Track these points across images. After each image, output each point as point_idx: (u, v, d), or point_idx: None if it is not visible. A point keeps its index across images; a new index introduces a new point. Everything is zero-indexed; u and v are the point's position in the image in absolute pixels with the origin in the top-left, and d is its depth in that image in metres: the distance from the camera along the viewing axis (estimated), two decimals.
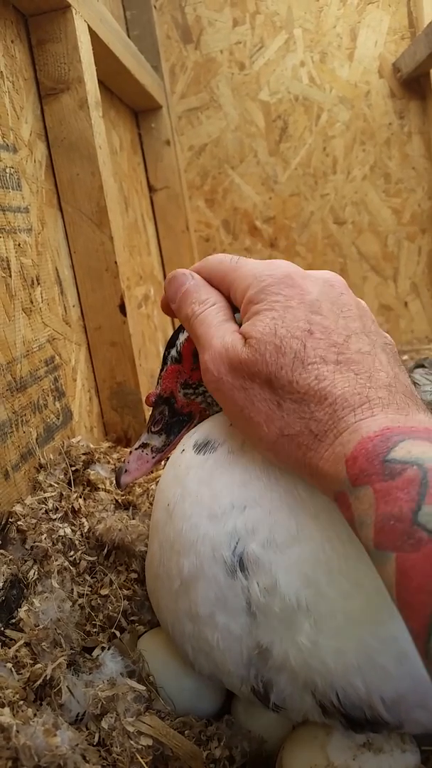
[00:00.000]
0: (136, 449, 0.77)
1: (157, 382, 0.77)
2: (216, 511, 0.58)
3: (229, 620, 0.56)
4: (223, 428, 0.66)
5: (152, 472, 0.86)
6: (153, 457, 0.76)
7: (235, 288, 0.61)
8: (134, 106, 1.77)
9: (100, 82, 1.28)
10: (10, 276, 0.86)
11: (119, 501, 0.94)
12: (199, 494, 0.60)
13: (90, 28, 1.14)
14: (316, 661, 0.53)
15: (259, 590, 0.54)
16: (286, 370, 0.52)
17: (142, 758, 0.56)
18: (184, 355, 0.73)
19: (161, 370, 0.77)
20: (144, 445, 0.77)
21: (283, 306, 0.55)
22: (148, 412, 0.79)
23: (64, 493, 0.85)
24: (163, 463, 0.77)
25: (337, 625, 0.52)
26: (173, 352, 0.74)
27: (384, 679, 0.52)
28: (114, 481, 0.78)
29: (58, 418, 0.98)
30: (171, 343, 0.75)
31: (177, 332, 0.74)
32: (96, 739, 0.57)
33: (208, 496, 0.59)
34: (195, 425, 0.73)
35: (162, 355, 0.77)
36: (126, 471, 0.76)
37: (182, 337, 0.73)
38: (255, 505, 0.57)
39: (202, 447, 0.65)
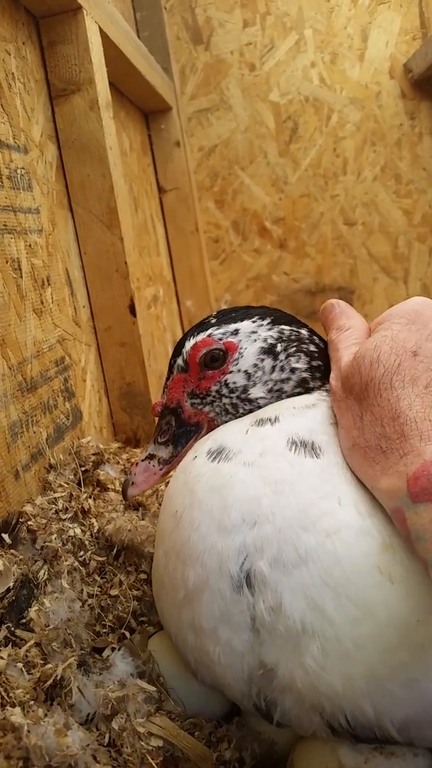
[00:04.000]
0: (142, 461, 0.76)
1: (163, 392, 0.76)
2: (226, 524, 0.57)
3: (232, 635, 0.55)
4: (239, 437, 0.64)
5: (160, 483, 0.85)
6: (160, 469, 0.75)
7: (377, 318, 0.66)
8: (144, 108, 1.77)
9: (110, 84, 1.28)
10: (21, 277, 0.86)
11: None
12: (209, 503, 0.59)
13: (101, 30, 1.14)
14: (324, 685, 0.52)
15: (265, 609, 0.53)
16: (375, 383, 0.56)
17: (152, 759, 0.56)
18: (191, 364, 0.72)
19: (167, 379, 0.75)
20: (151, 456, 0.75)
21: (401, 328, 0.59)
22: None
23: (74, 493, 0.85)
24: None
25: (345, 650, 0.52)
26: (179, 361, 0.73)
27: (393, 704, 0.52)
28: (121, 490, 0.76)
29: (68, 419, 0.98)
30: (177, 351, 0.73)
31: (183, 340, 0.73)
32: (106, 739, 0.57)
33: (218, 507, 0.58)
34: (203, 435, 0.72)
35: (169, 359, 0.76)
36: (133, 483, 0.75)
37: (188, 345, 0.72)
38: (266, 521, 0.56)
39: (215, 455, 0.63)
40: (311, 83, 1.87)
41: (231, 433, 0.66)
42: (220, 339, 0.71)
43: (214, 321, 0.73)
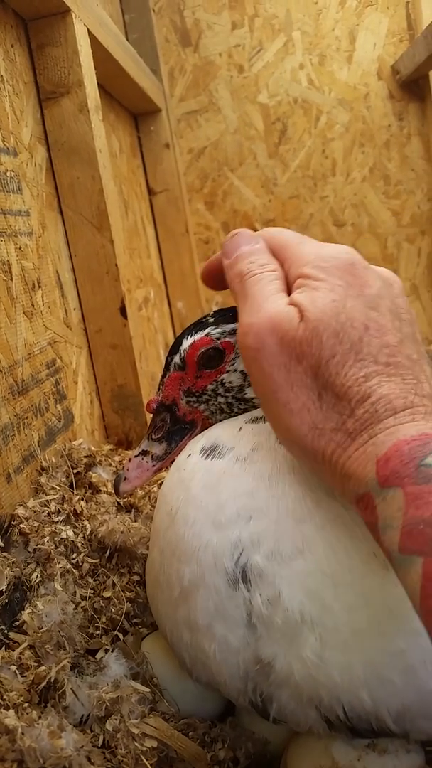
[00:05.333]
0: (135, 456, 0.76)
1: (159, 388, 0.76)
2: (221, 520, 0.57)
3: (227, 632, 0.56)
4: (232, 434, 0.65)
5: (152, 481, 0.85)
6: (153, 466, 0.74)
7: (292, 261, 0.55)
8: (133, 110, 1.77)
9: (100, 86, 1.28)
10: (12, 279, 0.86)
11: (121, 503, 0.94)
12: (204, 500, 0.59)
13: (89, 32, 1.14)
14: (322, 676, 0.52)
15: (262, 602, 0.54)
16: (338, 359, 0.49)
17: (146, 760, 0.56)
18: (188, 362, 0.72)
19: (163, 375, 0.75)
20: (144, 453, 0.75)
21: (344, 293, 0.51)
22: (149, 415, 0.78)
23: (66, 495, 0.85)
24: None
25: (344, 639, 0.52)
26: (176, 359, 0.72)
27: (390, 692, 0.52)
28: (113, 485, 0.77)
29: (60, 421, 0.98)
30: (174, 349, 0.73)
31: (180, 338, 0.73)
32: (100, 741, 0.57)
33: (213, 503, 0.58)
34: (197, 434, 0.72)
35: (163, 359, 0.76)
36: (125, 479, 0.74)
37: (186, 343, 0.71)
38: (261, 515, 0.56)
39: (209, 452, 0.64)
40: (300, 85, 1.88)
41: (224, 430, 0.66)
42: (218, 338, 0.71)
43: (212, 320, 0.73)
